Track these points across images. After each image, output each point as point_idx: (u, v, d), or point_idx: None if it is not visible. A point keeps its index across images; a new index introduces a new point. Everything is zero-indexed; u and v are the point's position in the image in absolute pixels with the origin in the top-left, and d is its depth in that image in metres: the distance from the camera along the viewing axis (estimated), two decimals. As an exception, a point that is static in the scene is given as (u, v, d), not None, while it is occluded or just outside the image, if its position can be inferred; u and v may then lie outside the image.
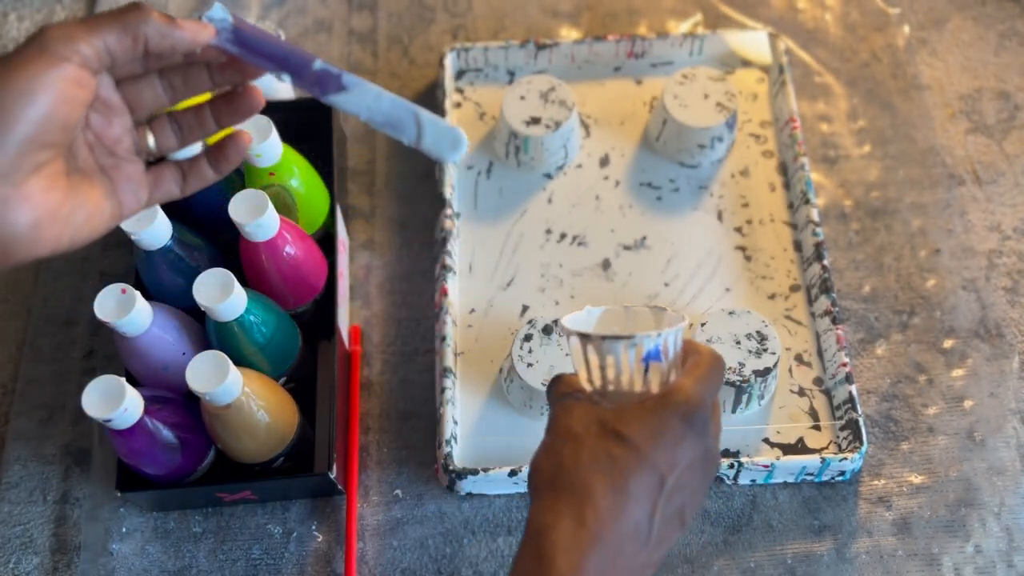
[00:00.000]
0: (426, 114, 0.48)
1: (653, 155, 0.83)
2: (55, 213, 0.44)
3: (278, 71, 0.47)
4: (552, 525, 0.45)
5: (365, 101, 0.47)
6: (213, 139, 0.53)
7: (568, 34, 0.90)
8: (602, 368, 0.49)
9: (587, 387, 0.50)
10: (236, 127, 0.52)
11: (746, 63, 0.87)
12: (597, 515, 0.44)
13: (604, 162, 0.83)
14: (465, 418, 0.72)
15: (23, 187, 0.42)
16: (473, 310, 0.76)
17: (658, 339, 0.48)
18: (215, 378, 0.59)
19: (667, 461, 0.46)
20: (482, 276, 0.78)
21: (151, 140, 0.50)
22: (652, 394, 0.48)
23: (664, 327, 0.50)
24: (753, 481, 0.70)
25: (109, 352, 0.77)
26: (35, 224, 0.43)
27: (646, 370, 0.48)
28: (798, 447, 0.70)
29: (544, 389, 0.68)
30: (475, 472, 0.68)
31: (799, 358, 0.74)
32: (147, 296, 0.65)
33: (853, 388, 0.70)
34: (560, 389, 0.51)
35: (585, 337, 0.48)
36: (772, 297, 0.76)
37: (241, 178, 0.72)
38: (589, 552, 0.44)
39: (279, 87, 0.81)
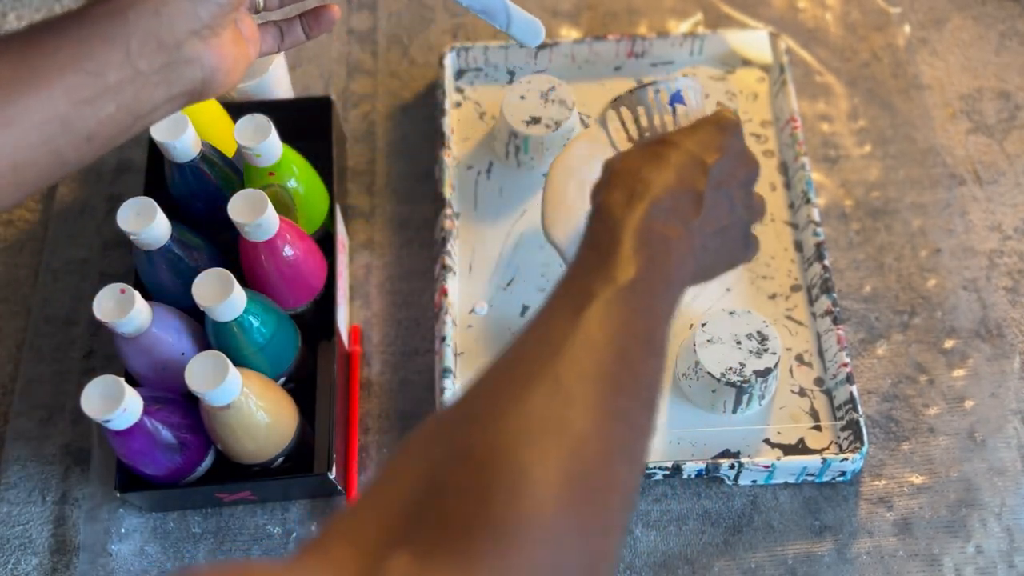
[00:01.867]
0: (514, 6, 0.58)
1: (653, 155, 0.82)
2: (236, 60, 0.52)
3: None
4: (607, 197, 0.49)
5: None
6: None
7: (568, 34, 0.90)
8: (636, 120, 0.57)
9: (626, 146, 0.58)
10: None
11: (746, 63, 0.87)
12: (647, 184, 0.49)
13: (604, 162, 0.83)
14: (465, 418, 0.72)
15: (222, 39, 0.50)
16: (473, 310, 0.76)
17: (677, 83, 0.56)
18: (214, 378, 0.59)
19: (705, 149, 0.51)
20: (482, 276, 0.78)
21: None
22: None
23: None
24: (754, 481, 0.69)
25: (109, 352, 0.77)
26: (229, 70, 0.51)
27: (674, 112, 0.56)
28: (799, 447, 0.70)
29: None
30: (475, 472, 0.68)
31: (800, 358, 0.74)
32: (146, 296, 0.65)
33: (854, 388, 0.70)
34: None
35: (616, 100, 0.57)
36: (773, 297, 0.76)
37: (240, 178, 0.72)
38: (642, 204, 0.48)
39: (279, 87, 0.81)
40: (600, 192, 0.50)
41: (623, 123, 0.57)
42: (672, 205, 0.49)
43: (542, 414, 0.39)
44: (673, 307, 0.48)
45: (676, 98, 0.56)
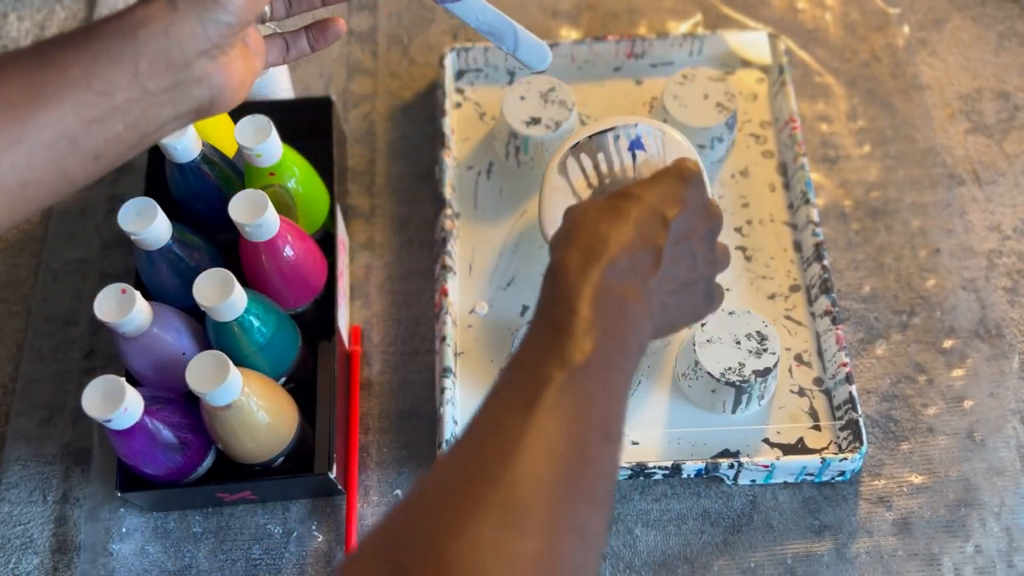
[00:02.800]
0: (522, 29, 0.58)
1: (653, 155, 0.83)
2: (244, 77, 0.52)
3: None
4: (563, 256, 0.48)
5: (474, 12, 0.55)
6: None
7: (568, 34, 0.90)
8: (596, 166, 0.55)
9: (586, 193, 0.56)
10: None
11: (746, 63, 0.87)
12: (604, 242, 0.48)
13: (604, 162, 0.83)
14: (465, 418, 0.72)
15: (231, 57, 0.50)
16: (473, 310, 0.76)
17: (636, 128, 0.55)
18: (215, 378, 0.59)
19: (667, 203, 0.50)
20: (482, 276, 0.78)
21: (267, 9, 0.57)
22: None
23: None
24: (753, 481, 0.70)
25: (109, 352, 0.77)
26: (236, 87, 0.51)
27: (634, 159, 0.55)
28: (798, 447, 0.70)
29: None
30: (475, 472, 0.68)
31: (799, 358, 0.74)
32: (147, 296, 0.65)
33: (853, 388, 0.70)
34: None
35: (575, 146, 0.56)
36: (772, 297, 0.76)
37: (241, 178, 0.72)
38: (599, 266, 0.47)
39: (279, 87, 0.81)
40: (558, 248, 0.49)
41: (583, 170, 0.57)
42: (630, 264, 0.48)
43: (494, 544, 0.37)
44: (630, 375, 0.47)
45: (635, 144, 0.56)
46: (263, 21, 0.58)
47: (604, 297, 0.46)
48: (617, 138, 0.55)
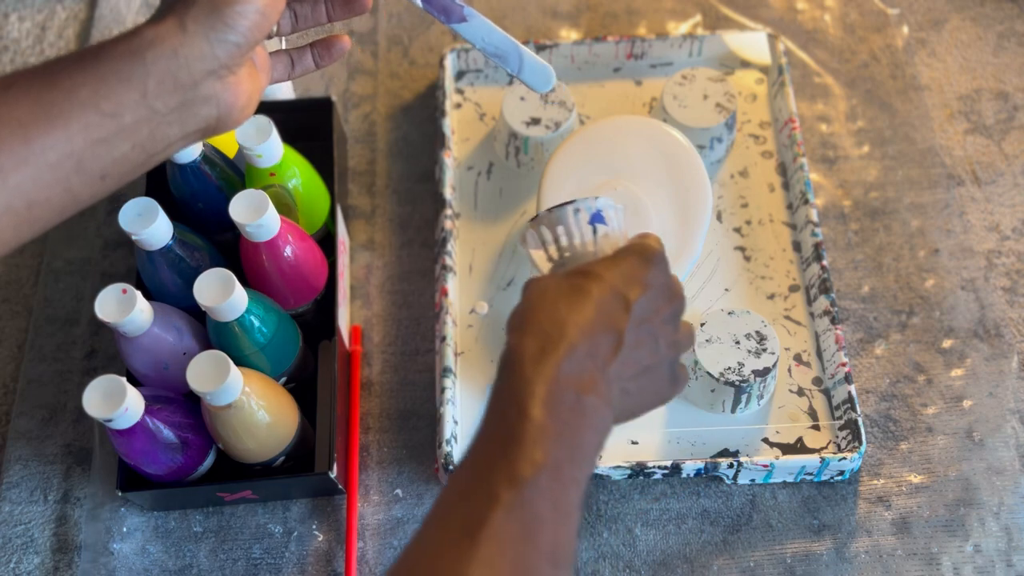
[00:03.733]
0: (527, 52, 0.58)
1: (653, 155, 0.83)
2: (251, 95, 0.52)
3: None
4: (518, 343, 0.46)
5: (480, 33, 0.55)
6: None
7: (568, 35, 0.91)
8: (556, 239, 0.54)
9: (547, 267, 0.55)
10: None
11: (745, 64, 0.87)
12: (562, 327, 0.46)
13: (604, 162, 0.83)
14: (465, 418, 0.72)
15: (239, 76, 0.50)
16: (473, 310, 0.77)
17: (596, 202, 0.53)
18: (216, 378, 0.59)
19: (628, 285, 0.49)
20: (482, 276, 0.78)
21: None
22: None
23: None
24: (752, 481, 0.70)
25: (110, 352, 0.77)
26: (244, 105, 0.51)
27: (594, 232, 0.53)
28: (797, 447, 0.70)
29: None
30: (475, 472, 0.68)
31: (798, 358, 0.74)
32: (148, 296, 0.65)
33: (852, 388, 0.70)
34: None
35: (535, 219, 0.54)
36: (771, 297, 0.76)
37: (241, 178, 0.72)
38: (554, 357, 0.45)
39: (280, 88, 0.81)
40: (514, 331, 0.47)
41: (543, 243, 0.54)
42: (589, 350, 0.46)
43: None
44: (584, 483, 0.45)
45: (596, 218, 0.53)
46: (269, 37, 0.58)
47: (559, 394, 0.44)
48: (577, 211, 0.53)
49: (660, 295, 0.50)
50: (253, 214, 0.64)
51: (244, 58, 0.49)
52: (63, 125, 0.45)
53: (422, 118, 0.87)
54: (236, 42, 0.48)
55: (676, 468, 0.68)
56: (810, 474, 0.69)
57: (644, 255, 0.50)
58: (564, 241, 0.54)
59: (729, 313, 0.71)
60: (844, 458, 0.68)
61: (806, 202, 0.78)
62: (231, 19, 0.47)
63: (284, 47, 0.59)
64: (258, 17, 0.48)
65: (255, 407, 0.62)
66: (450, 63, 0.86)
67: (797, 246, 0.78)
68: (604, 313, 0.47)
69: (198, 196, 0.71)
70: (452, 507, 0.43)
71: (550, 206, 0.54)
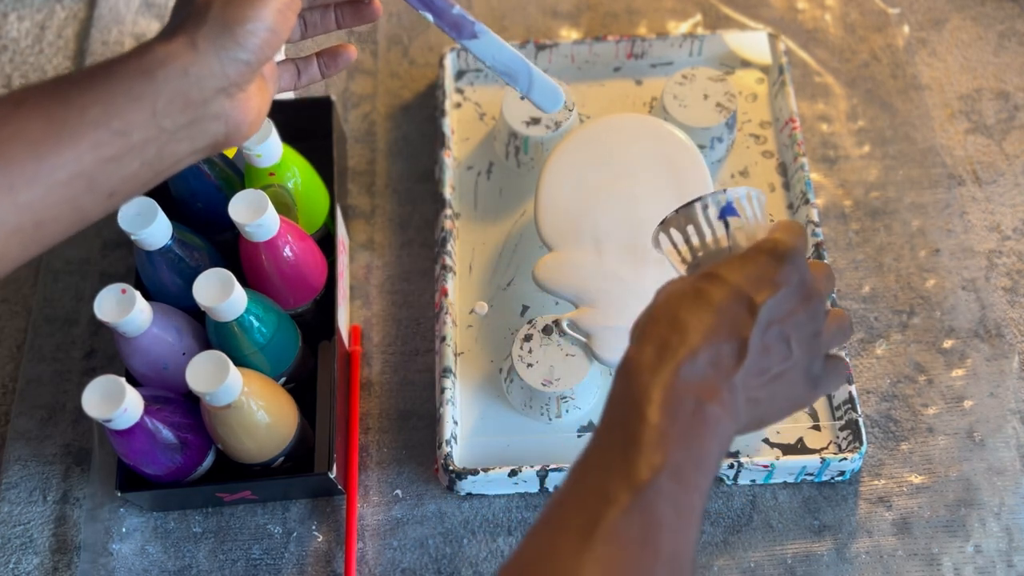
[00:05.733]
0: (536, 71, 0.56)
1: (653, 155, 0.83)
2: (260, 110, 0.52)
3: (426, 8, 0.53)
4: (637, 351, 0.44)
5: (491, 50, 0.54)
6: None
7: (568, 34, 0.91)
8: (687, 240, 0.51)
9: (683, 269, 0.53)
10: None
11: (746, 63, 0.87)
12: (682, 334, 0.44)
13: (604, 162, 0.83)
14: (465, 418, 0.72)
15: (248, 93, 0.50)
16: (473, 310, 0.77)
17: (727, 194, 0.50)
18: (215, 378, 0.59)
19: (755, 286, 0.46)
20: (482, 276, 0.78)
21: None
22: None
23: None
24: (753, 481, 0.70)
25: (109, 352, 0.77)
26: (252, 121, 0.51)
27: (727, 226, 0.50)
28: (798, 447, 0.70)
29: (544, 390, 0.68)
30: (475, 472, 0.68)
31: (799, 358, 0.74)
32: (147, 296, 0.65)
33: (853, 388, 0.70)
34: None
35: (663, 222, 0.52)
36: (772, 297, 0.76)
37: (241, 178, 0.72)
38: (673, 362, 0.43)
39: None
40: (633, 338, 0.46)
41: (675, 246, 0.52)
42: (711, 358, 0.44)
43: None
44: (707, 491, 0.43)
45: (727, 211, 0.50)
46: None
47: (678, 400, 0.42)
48: (706, 207, 0.50)
49: (794, 295, 0.47)
50: (252, 214, 0.63)
51: (254, 75, 0.49)
52: (74, 144, 0.44)
53: (422, 118, 0.86)
54: (247, 60, 0.48)
55: (676, 468, 0.68)
56: (811, 474, 0.69)
57: (775, 252, 0.47)
58: (696, 240, 0.51)
59: (730, 313, 0.70)
60: (845, 458, 0.67)
61: (807, 202, 0.77)
62: (242, 37, 0.47)
63: (284, 57, 0.59)
64: (269, 35, 0.48)
65: (254, 407, 0.62)
66: (450, 62, 0.86)
67: (798, 246, 0.78)
68: (727, 319, 0.45)
69: (197, 196, 0.71)
70: (566, 509, 0.41)
71: (677, 206, 0.51)
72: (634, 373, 0.43)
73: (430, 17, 0.54)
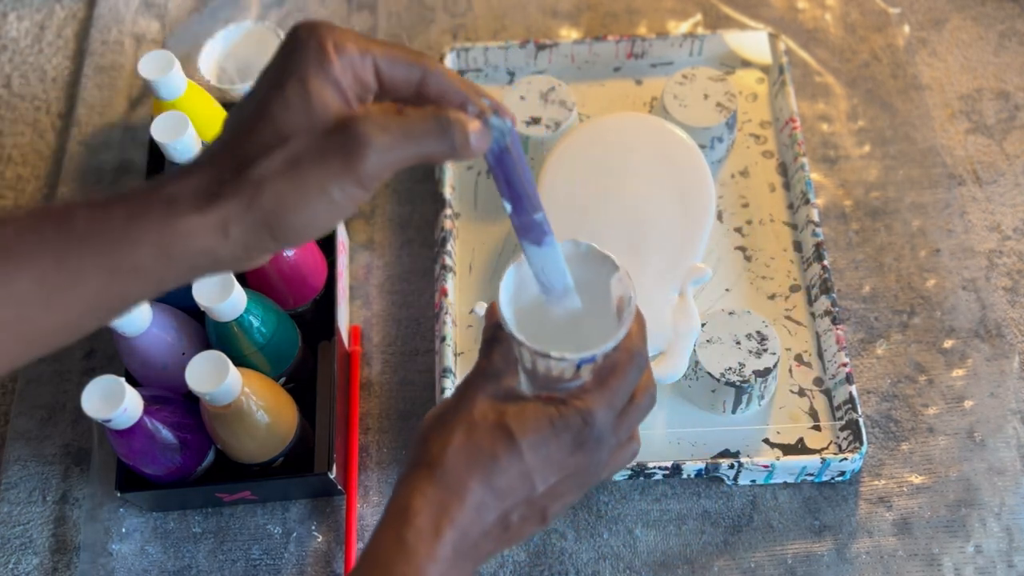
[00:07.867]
0: (573, 293, 0.50)
1: (653, 155, 0.83)
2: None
3: (510, 199, 0.46)
4: (419, 511, 0.46)
5: (543, 263, 0.48)
6: None
7: (568, 34, 0.90)
8: (532, 369, 0.48)
9: (523, 375, 0.49)
10: None
11: (746, 63, 0.87)
12: (464, 510, 0.46)
13: (604, 162, 0.83)
14: (465, 418, 0.72)
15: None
16: (473, 310, 0.76)
17: (594, 353, 0.46)
18: (215, 378, 0.59)
19: (545, 473, 0.47)
20: (482, 276, 0.78)
21: None
22: (582, 386, 0.48)
23: (617, 288, 0.48)
24: (753, 481, 0.70)
25: (109, 352, 0.77)
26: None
27: (578, 369, 0.47)
28: (798, 447, 0.70)
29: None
30: (475, 472, 0.68)
31: (799, 358, 0.74)
32: (147, 296, 0.65)
33: (853, 388, 0.70)
34: (493, 335, 0.51)
35: (519, 342, 0.47)
36: (772, 297, 0.76)
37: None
38: (448, 541, 0.45)
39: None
40: (419, 470, 0.47)
41: (521, 357, 0.48)
42: (479, 537, 0.46)
43: None
44: None
45: (587, 360, 0.46)
46: None
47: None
48: (563, 360, 0.46)
49: (571, 483, 0.48)
50: (252, 214, 0.63)
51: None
52: (84, 283, 0.42)
53: (422, 118, 0.86)
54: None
55: (677, 469, 0.68)
56: (811, 475, 0.69)
57: (579, 435, 0.47)
58: (541, 369, 0.47)
59: (730, 313, 0.71)
60: (845, 459, 0.67)
61: (807, 202, 0.77)
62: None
63: None
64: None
65: (254, 407, 0.62)
66: (450, 62, 0.86)
67: (798, 246, 0.78)
68: (507, 496, 0.46)
69: (197, 196, 0.71)
70: None
71: (532, 347, 0.46)
72: (411, 537, 0.45)
73: (508, 207, 0.47)
